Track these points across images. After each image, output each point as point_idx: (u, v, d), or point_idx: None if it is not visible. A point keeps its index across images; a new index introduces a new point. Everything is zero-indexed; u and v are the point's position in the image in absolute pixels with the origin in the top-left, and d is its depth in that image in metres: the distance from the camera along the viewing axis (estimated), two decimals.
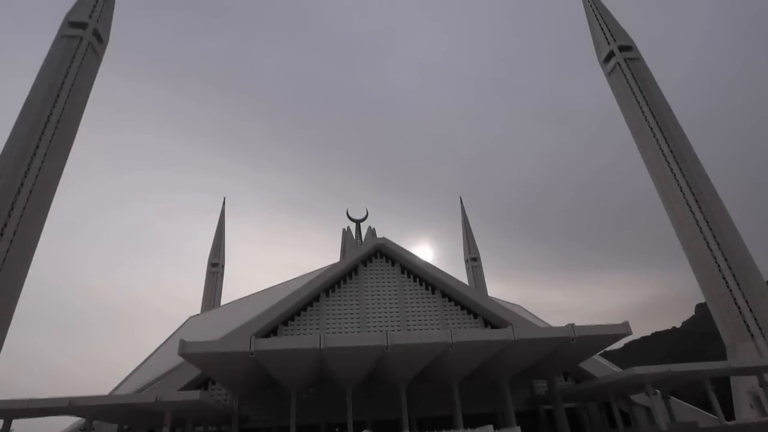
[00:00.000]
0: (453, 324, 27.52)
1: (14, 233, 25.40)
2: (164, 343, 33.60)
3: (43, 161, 27.94)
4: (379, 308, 27.79)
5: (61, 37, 33.06)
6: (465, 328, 27.43)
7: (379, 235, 38.62)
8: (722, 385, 25.08)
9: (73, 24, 33.73)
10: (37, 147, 28.16)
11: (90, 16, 34.30)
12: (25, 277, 25.81)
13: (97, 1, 35.34)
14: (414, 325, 27.44)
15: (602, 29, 41.41)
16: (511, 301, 37.90)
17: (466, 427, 20.06)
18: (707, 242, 31.06)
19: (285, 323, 26.44)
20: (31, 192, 26.82)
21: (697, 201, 32.30)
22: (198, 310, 56.13)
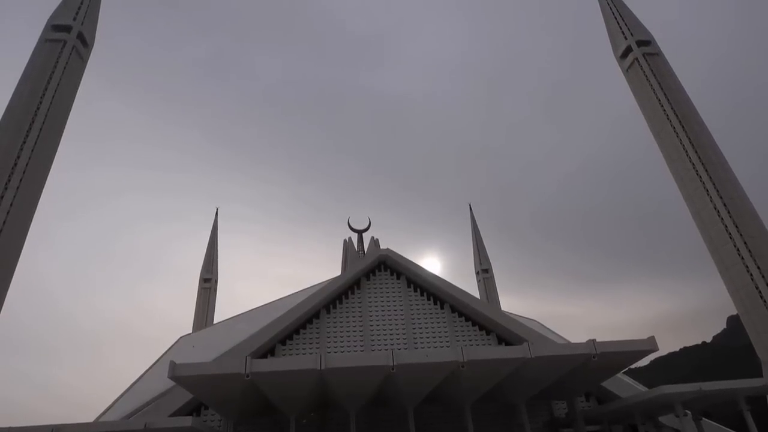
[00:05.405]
0: (464, 341, 27.30)
1: None
2: (154, 364, 33.48)
3: (24, 172, 28.12)
4: (384, 325, 27.63)
5: (45, 41, 33.44)
6: (477, 345, 27.21)
7: (382, 245, 38.48)
8: (759, 404, 24.66)
9: (56, 27, 34.14)
10: (18, 157, 28.36)
11: (74, 19, 34.72)
12: (5, 294, 25.83)
13: (81, 4, 35.80)
14: (422, 342, 27.23)
15: (618, 23, 41.51)
16: (526, 316, 37.62)
17: None
18: (738, 249, 30.75)
19: (283, 342, 26.32)
20: (12, 205, 26.96)
21: (725, 205, 32.04)
22: (189, 329, 56.01)
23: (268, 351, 25.64)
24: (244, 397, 19.22)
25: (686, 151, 34.92)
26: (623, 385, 25.94)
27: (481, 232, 67.53)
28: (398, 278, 29.37)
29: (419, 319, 28.01)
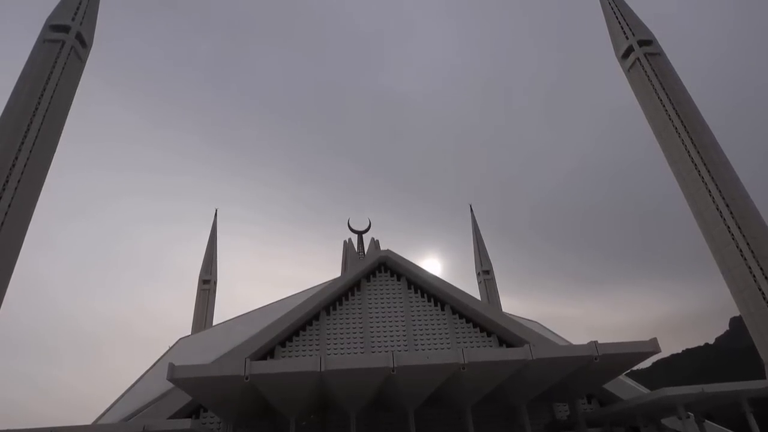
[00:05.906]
0: (465, 343, 27.27)
1: None
2: (152, 366, 33.44)
3: (22, 172, 28.12)
4: (384, 326, 27.60)
5: (43, 42, 33.45)
6: (478, 347, 27.18)
7: (382, 247, 38.48)
8: (762, 406, 24.63)
9: (54, 27, 34.14)
10: (16, 158, 28.36)
11: (73, 19, 34.72)
12: (4, 293, 25.83)
13: (80, 4, 35.79)
14: (422, 344, 27.20)
15: (620, 23, 41.51)
16: (528, 317, 37.55)
17: None
18: (740, 250, 30.72)
19: (282, 344, 26.29)
20: (10, 205, 26.96)
21: (728, 206, 32.02)
22: (189, 331, 55.94)
23: (267, 353, 25.61)
24: (243, 399, 19.19)
25: (688, 151, 34.87)
26: (625, 387, 25.90)
27: (481, 233, 67.47)
28: (398, 279, 29.34)
29: (420, 320, 27.98)
